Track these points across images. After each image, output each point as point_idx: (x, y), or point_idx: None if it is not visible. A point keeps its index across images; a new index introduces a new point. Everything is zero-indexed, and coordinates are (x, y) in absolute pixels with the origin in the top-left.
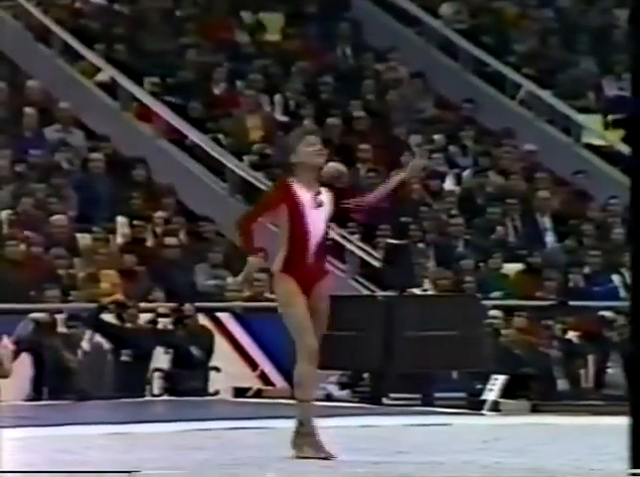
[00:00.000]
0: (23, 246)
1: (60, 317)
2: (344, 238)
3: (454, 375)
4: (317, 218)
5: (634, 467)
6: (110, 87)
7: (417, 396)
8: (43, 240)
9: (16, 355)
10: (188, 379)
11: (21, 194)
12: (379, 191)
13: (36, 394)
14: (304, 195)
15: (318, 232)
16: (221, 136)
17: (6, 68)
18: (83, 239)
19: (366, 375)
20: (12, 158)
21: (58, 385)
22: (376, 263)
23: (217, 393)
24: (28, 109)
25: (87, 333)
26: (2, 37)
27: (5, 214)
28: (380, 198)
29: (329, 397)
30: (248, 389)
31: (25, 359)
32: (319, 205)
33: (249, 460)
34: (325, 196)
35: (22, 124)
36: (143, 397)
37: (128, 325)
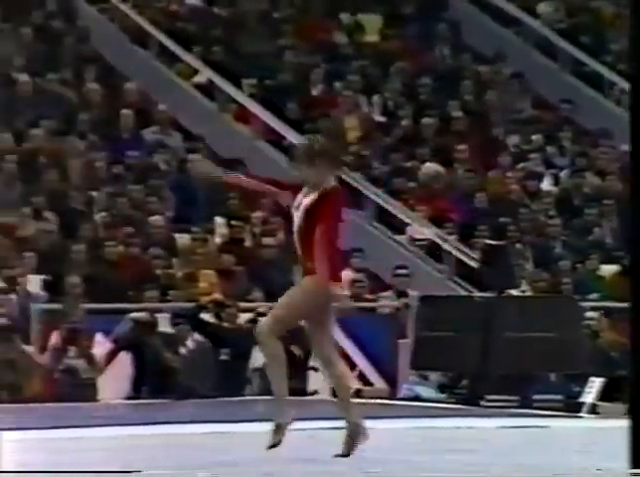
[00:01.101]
0: (121, 247)
1: (160, 316)
2: (441, 238)
3: (552, 377)
4: (297, 219)
5: (634, 467)
6: (208, 89)
7: (515, 397)
8: (141, 241)
9: (114, 354)
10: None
11: (117, 195)
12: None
13: (135, 392)
14: (299, 197)
15: (297, 231)
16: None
17: (103, 70)
18: (182, 240)
19: (463, 376)
20: (109, 160)
21: (157, 383)
22: (473, 264)
23: (315, 392)
24: (125, 111)
25: (190, 332)
26: (99, 39)
27: (102, 215)
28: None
29: (418, 398)
30: None
31: (124, 358)
32: (297, 206)
33: (342, 459)
34: (311, 197)
35: (119, 126)
36: (243, 395)
37: (227, 324)
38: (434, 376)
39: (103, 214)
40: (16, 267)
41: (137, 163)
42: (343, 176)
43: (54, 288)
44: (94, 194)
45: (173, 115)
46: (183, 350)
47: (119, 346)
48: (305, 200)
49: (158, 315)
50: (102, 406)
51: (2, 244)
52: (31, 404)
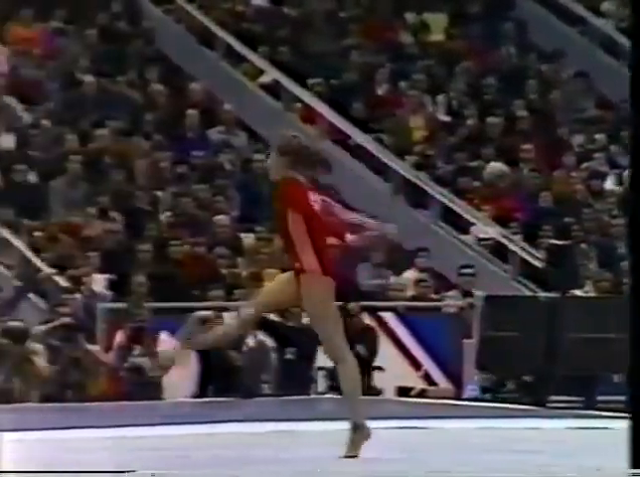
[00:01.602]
0: (186, 247)
1: (225, 315)
2: (506, 237)
3: (616, 378)
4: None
5: (634, 467)
6: (273, 89)
7: (580, 398)
8: (206, 240)
9: (180, 352)
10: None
11: (182, 195)
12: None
13: (201, 391)
14: None
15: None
16: (383, 136)
17: (169, 70)
18: (247, 239)
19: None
20: (174, 159)
21: (222, 382)
22: (538, 264)
23: (380, 392)
24: (191, 111)
25: (253, 331)
26: (165, 40)
27: (167, 214)
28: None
29: (482, 399)
30: (412, 388)
31: (191, 356)
32: None
33: (405, 460)
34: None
35: (184, 126)
36: (308, 394)
37: (292, 324)
38: (478, 377)
39: (168, 213)
40: (81, 267)
41: (202, 163)
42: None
43: (119, 287)
44: (160, 194)
45: (238, 115)
46: (245, 349)
47: (185, 345)
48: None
49: (224, 314)
50: (168, 405)
51: (67, 244)
52: (96, 403)
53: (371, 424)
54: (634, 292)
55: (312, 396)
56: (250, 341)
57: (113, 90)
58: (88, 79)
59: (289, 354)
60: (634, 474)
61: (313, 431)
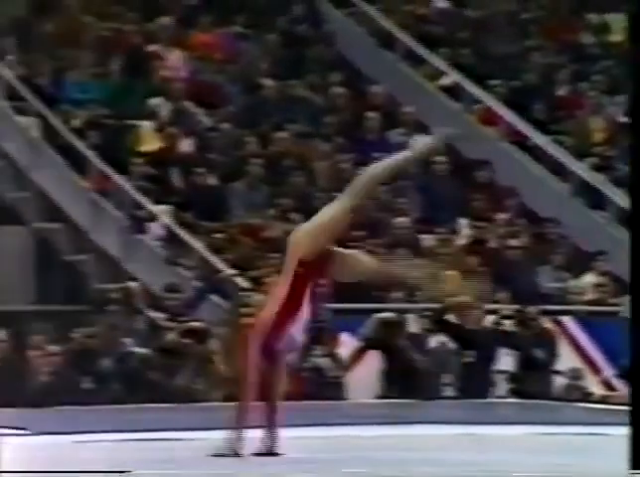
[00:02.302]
0: (367, 248)
1: (408, 317)
2: None
3: None
4: None
5: (634, 467)
6: (454, 91)
7: None
8: (386, 242)
9: (361, 353)
10: (532, 381)
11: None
12: None
13: (384, 392)
14: None
15: None
16: (563, 138)
17: (349, 74)
18: (427, 241)
19: None
20: (354, 162)
21: (404, 383)
22: None
23: (560, 397)
24: (371, 114)
25: (435, 333)
26: (346, 43)
27: None
28: None
29: None
30: (591, 394)
31: (373, 358)
32: None
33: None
34: None
35: (365, 128)
36: (488, 398)
37: (471, 326)
38: None
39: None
40: (261, 268)
41: None
42: (585, 177)
43: None
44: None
45: (418, 117)
46: (429, 350)
47: (366, 346)
48: None
49: (406, 315)
50: (350, 405)
51: (248, 246)
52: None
53: (551, 430)
54: (634, 292)
55: (492, 399)
56: (433, 342)
57: (294, 94)
58: (269, 82)
59: (469, 357)
60: (634, 474)
61: (494, 435)
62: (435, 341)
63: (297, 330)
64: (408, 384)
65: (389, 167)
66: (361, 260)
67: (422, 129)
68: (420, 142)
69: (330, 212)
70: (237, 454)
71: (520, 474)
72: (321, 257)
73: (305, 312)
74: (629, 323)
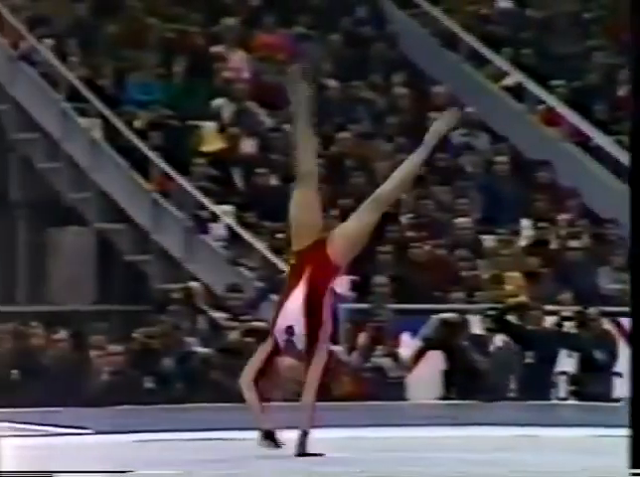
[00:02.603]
0: (427, 248)
1: (469, 318)
2: None
3: None
4: None
5: (634, 467)
6: (516, 91)
7: None
8: (447, 242)
9: (422, 354)
10: (593, 383)
11: (423, 197)
12: None
13: (445, 393)
14: None
15: None
16: (625, 138)
17: (412, 74)
18: (488, 241)
19: None
20: None
21: (465, 384)
22: None
23: (620, 399)
24: (433, 114)
25: (497, 334)
26: (409, 44)
27: (408, 216)
28: None
29: None
30: None
31: (434, 358)
32: None
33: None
34: None
35: (427, 129)
36: (548, 399)
37: (532, 327)
38: None
39: (410, 215)
40: None
41: (444, 165)
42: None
43: (361, 288)
44: (401, 196)
45: (480, 117)
46: (490, 351)
47: (427, 346)
48: None
49: (468, 316)
50: (411, 406)
51: None
52: (340, 403)
53: (611, 432)
54: (634, 292)
55: (553, 401)
56: (498, 342)
57: (356, 94)
58: (331, 83)
59: (529, 357)
60: (634, 474)
61: (554, 437)
62: (499, 342)
63: (293, 320)
64: (469, 384)
65: (408, 171)
66: (348, 229)
67: (484, 129)
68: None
69: (364, 218)
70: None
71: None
72: (314, 247)
73: (296, 301)
74: (630, 323)
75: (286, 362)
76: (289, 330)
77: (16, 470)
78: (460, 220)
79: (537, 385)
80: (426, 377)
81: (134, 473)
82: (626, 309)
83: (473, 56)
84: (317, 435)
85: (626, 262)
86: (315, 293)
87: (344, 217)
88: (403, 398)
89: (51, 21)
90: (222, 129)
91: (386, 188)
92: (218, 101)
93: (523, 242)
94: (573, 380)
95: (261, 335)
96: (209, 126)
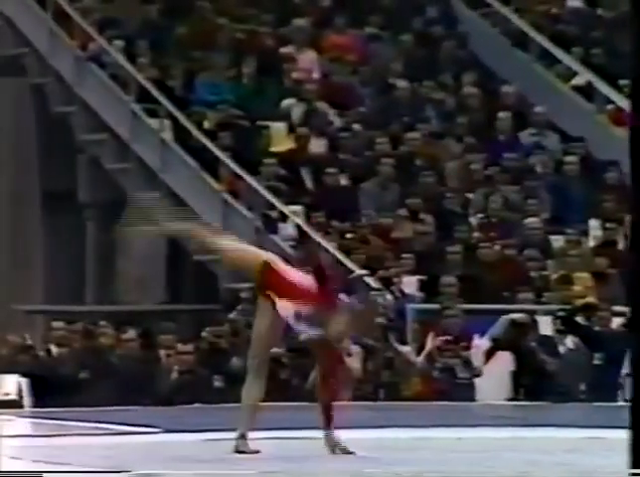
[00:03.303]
0: (496, 249)
1: (538, 318)
2: None
3: None
4: None
5: (634, 467)
6: (586, 91)
7: None
8: (517, 242)
9: (491, 354)
10: None
11: (493, 197)
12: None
13: (515, 394)
14: None
15: None
16: None
17: (481, 74)
18: (557, 242)
19: None
20: (485, 162)
21: (534, 385)
22: None
23: None
24: (502, 114)
25: (566, 335)
26: (479, 43)
27: (478, 216)
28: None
29: None
30: None
31: (503, 358)
32: None
33: None
34: None
35: (496, 128)
36: (616, 401)
37: (599, 328)
38: None
39: (479, 215)
40: (391, 268)
41: (514, 165)
42: None
43: (429, 289)
44: (470, 196)
45: (550, 117)
46: (560, 352)
47: (495, 346)
48: None
49: (538, 317)
50: (480, 407)
51: (378, 246)
52: (409, 403)
53: None
54: (634, 291)
55: (621, 402)
56: (569, 343)
57: (426, 94)
58: (401, 83)
59: (597, 359)
60: (634, 474)
61: (622, 439)
62: (570, 343)
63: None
64: (538, 386)
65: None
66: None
67: (554, 129)
68: None
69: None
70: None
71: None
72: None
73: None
74: (629, 324)
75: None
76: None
77: (6, 470)
78: (529, 220)
79: (605, 386)
80: (495, 377)
81: (134, 472)
82: None
83: (543, 55)
84: (387, 435)
85: None
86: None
87: (413, 217)
88: (472, 399)
89: (121, 23)
90: (291, 129)
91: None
92: (287, 102)
93: (591, 243)
94: None
95: None
96: (278, 127)
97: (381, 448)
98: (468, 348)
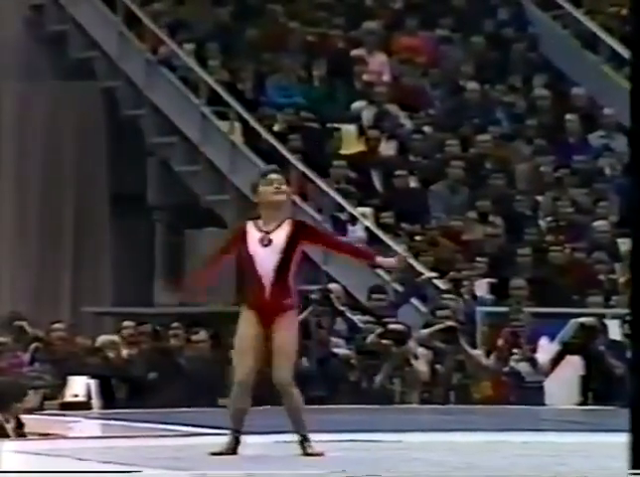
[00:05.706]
0: (567, 251)
1: (608, 322)
2: None
3: None
4: (266, 256)
5: (634, 467)
6: None
7: None
8: (585, 245)
9: (560, 358)
10: None
11: (562, 199)
12: (355, 249)
13: (584, 398)
14: (254, 235)
15: (268, 270)
16: None
17: (552, 76)
18: (624, 245)
19: None
20: (555, 164)
21: (603, 390)
22: None
23: None
24: (571, 116)
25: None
26: (549, 45)
27: (547, 219)
28: (348, 252)
29: None
30: None
31: (573, 363)
32: (267, 243)
33: None
34: (282, 231)
35: (566, 131)
36: None
37: None
38: None
39: (549, 218)
40: (461, 271)
41: (583, 167)
42: None
43: (499, 291)
44: (540, 198)
45: (619, 120)
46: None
47: (564, 350)
48: (267, 237)
49: (607, 321)
50: (548, 411)
51: (447, 248)
52: (478, 406)
53: None
54: (634, 291)
55: None
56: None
57: (496, 96)
58: (472, 85)
59: None
60: (634, 474)
61: None
62: None
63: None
64: (607, 390)
65: None
66: None
67: (623, 132)
68: None
69: None
70: None
71: None
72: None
73: None
74: (629, 324)
75: None
76: None
77: (16, 471)
78: (598, 222)
79: None
80: (565, 382)
81: (143, 473)
82: None
83: (613, 57)
84: (457, 439)
85: None
86: None
87: (483, 219)
88: (541, 403)
89: (191, 26)
90: (361, 132)
91: None
92: (358, 104)
93: None
94: None
95: (399, 337)
96: (349, 129)
97: (451, 450)
98: (536, 351)
